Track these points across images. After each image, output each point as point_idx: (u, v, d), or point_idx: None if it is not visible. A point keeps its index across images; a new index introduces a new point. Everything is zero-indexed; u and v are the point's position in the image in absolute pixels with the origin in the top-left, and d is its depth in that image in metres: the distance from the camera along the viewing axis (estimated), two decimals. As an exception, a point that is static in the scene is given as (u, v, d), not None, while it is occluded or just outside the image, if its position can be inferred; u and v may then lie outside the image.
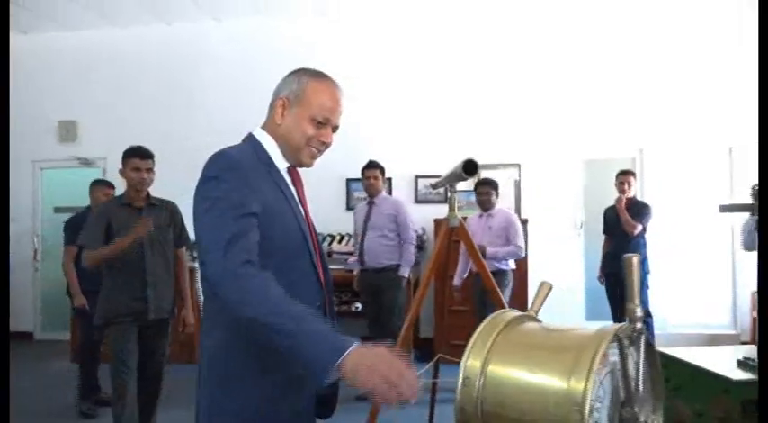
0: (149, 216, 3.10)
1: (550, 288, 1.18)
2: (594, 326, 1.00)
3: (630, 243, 4.98)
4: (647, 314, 4.97)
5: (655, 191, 5.74)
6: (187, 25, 6.38)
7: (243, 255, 1.24)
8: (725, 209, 1.75)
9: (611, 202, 5.05)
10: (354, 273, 4.68)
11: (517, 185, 5.93)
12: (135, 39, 6.49)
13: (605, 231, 5.17)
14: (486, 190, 4.52)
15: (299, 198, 1.50)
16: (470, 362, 0.98)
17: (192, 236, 2.25)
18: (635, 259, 0.94)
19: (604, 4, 5.83)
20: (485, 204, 4.52)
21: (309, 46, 5.89)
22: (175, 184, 3.60)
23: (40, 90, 6.56)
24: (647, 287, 5.03)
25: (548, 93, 5.82)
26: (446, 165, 5.78)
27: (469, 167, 2.70)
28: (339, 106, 1.49)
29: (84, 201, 4.49)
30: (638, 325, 0.93)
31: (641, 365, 0.94)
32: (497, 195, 4.57)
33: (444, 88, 5.92)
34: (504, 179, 5.87)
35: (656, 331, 5.08)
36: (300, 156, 1.48)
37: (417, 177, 5.94)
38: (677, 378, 1.84)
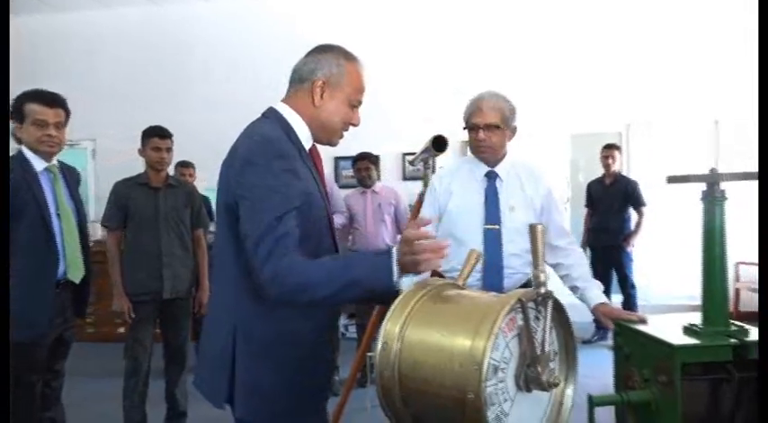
0: (167, 196, 3.15)
1: (479, 256, 1.22)
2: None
3: (615, 217, 5.04)
4: (631, 286, 5.04)
5: (641, 164, 5.75)
6: (177, 5, 6.34)
7: (290, 252, 1.28)
8: (673, 180, 1.78)
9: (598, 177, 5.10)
10: None
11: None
12: (122, 19, 6.46)
13: (589, 205, 5.21)
14: (365, 165, 4.36)
15: (320, 177, 1.52)
16: (389, 327, 1.03)
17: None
18: (539, 227, 0.98)
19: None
20: (364, 180, 4.37)
21: (300, 23, 5.86)
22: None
23: (24, 72, 6.56)
24: (631, 260, 5.09)
25: (534, 68, 5.81)
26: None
27: (439, 143, 2.72)
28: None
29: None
30: (543, 289, 0.97)
31: (547, 328, 0.98)
32: (378, 170, 4.40)
33: (430, 64, 5.91)
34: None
35: (641, 302, 5.16)
36: (334, 137, 1.51)
37: (405, 155, 5.96)
38: (629, 346, 1.89)
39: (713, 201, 1.74)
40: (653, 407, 1.72)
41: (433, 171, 3.01)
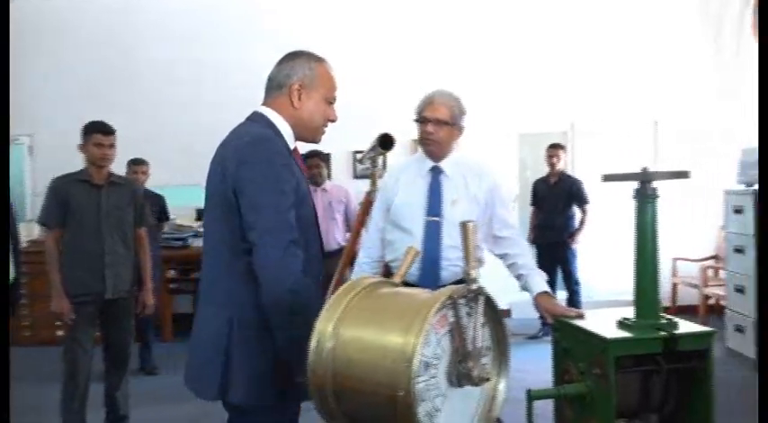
0: (110, 194, 3.05)
1: (417, 253, 1.23)
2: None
3: (560, 215, 5.17)
4: (575, 282, 5.18)
5: (585, 163, 5.92)
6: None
7: (296, 247, 1.41)
8: (608, 178, 1.84)
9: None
10: None
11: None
12: (75, 9, 6.14)
13: (534, 203, 5.33)
14: (315, 163, 4.32)
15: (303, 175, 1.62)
16: (321, 325, 1.03)
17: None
18: (470, 225, 0.99)
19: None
20: (315, 179, 4.32)
21: (269, 24, 5.77)
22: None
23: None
24: (576, 257, 5.23)
25: (483, 68, 5.89)
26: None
27: (386, 142, 2.74)
28: None
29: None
30: (474, 286, 0.99)
31: (478, 324, 1.00)
32: (329, 169, 4.37)
33: (379, 64, 5.91)
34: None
35: (585, 298, 5.31)
36: (317, 134, 1.64)
37: (355, 153, 5.95)
38: (567, 340, 1.95)
39: (645, 199, 1.81)
40: (588, 399, 1.78)
41: (384, 168, 3.04)
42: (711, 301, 5.38)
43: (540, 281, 2.22)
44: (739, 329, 4.39)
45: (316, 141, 1.67)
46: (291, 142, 1.59)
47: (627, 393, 1.77)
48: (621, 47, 5.85)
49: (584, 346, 1.84)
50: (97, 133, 3.02)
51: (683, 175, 1.78)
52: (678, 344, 1.71)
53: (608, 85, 5.85)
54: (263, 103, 1.61)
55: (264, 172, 1.43)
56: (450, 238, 2.19)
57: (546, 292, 2.19)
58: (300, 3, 6.02)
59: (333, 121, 1.65)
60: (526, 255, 2.31)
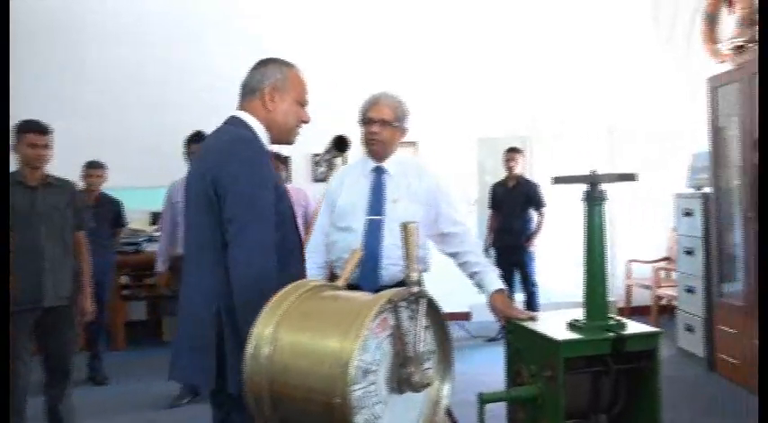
0: (46, 196, 2.91)
1: (360, 255, 1.20)
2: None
3: (518, 218, 5.22)
4: (533, 284, 5.23)
5: (543, 167, 6.00)
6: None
7: (272, 247, 1.45)
8: (558, 181, 1.85)
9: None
10: None
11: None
12: (20, 5, 5.92)
13: (492, 206, 5.37)
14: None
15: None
16: (259, 330, 0.99)
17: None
18: (411, 226, 0.97)
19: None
20: None
21: (237, 27, 5.69)
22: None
23: None
24: (533, 260, 5.29)
25: (443, 74, 5.91)
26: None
27: (341, 143, 2.72)
28: None
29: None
30: (416, 289, 0.96)
31: (419, 328, 0.97)
32: (288, 171, 4.15)
33: (339, 68, 5.87)
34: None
35: (543, 301, 5.37)
36: (292, 136, 1.71)
37: (314, 155, 5.90)
38: (519, 342, 1.95)
39: (593, 201, 1.82)
40: (539, 401, 1.77)
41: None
42: (663, 302, 5.51)
43: (493, 278, 2.22)
44: (689, 329, 4.50)
45: (290, 143, 1.73)
46: (266, 145, 1.64)
47: (577, 395, 1.78)
48: (578, 53, 5.96)
49: (535, 349, 1.84)
50: (30, 133, 2.88)
51: (629, 177, 1.80)
52: (626, 345, 1.72)
53: (565, 90, 5.95)
54: (239, 108, 1.67)
55: (246, 168, 1.49)
56: (392, 237, 2.18)
57: (500, 290, 2.18)
58: (265, 7, 5.94)
59: (306, 122, 1.71)
60: (476, 251, 2.31)
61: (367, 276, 2.17)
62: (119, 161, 5.51)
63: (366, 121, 2.29)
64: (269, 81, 1.64)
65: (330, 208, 2.36)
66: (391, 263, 2.18)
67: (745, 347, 3.82)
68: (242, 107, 1.67)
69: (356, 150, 5.90)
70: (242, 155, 1.51)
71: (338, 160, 3.01)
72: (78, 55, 5.85)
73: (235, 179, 1.48)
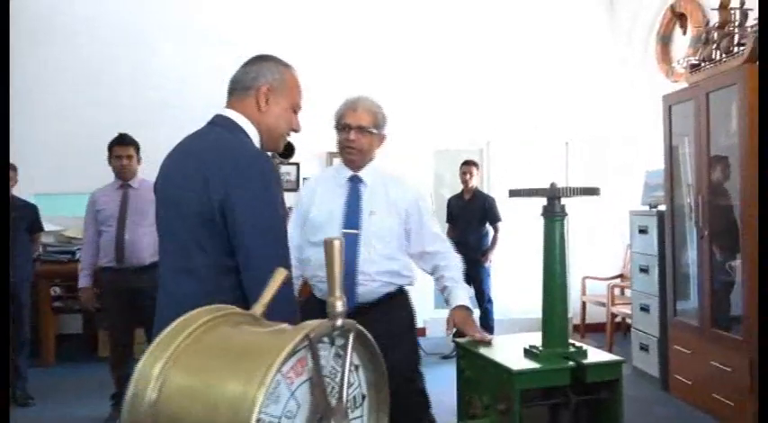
0: None
1: (287, 277, 1.01)
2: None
3: (474, 232, 5.10)
4: (488, 300, 5.11)
5: (500, 181, 5.92)
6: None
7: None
8: (515, 194, 1.70)
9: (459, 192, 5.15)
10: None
11: (369, 174, 5.85)
12: None
13: (449, 220, 5.24)
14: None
15: None
16: (143, 367, 0.78)
17: None
18: (336, 243, 0.78)
19: (453, 3, 5.91)
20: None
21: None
22: None
23: None
24: (489, 275, 5.17)
25: (399, 83, 5.78)
26: (298, 151, 5.59)
27: (285, 150, 2.53)
28: None
29: None
30: (340, 321, 0.77)
31: (346, 369, 0.78)
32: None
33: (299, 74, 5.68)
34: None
35: (498, 317, 5.25)
36: (279, 142, 1.57)
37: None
38: (470, 369, 1.78)
39: (553, 216, 1.68)
40: (492, 437, 1.60)
41: (298, 181, 2.82)
42: (618, 319, 5.46)
43: (461, 294, 2.09)
44: (644, 348, 4.44)
45: (276, 150, 1.61)
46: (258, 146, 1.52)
47: (533, 429, 1.62)
48: (535, 68, 5.93)
49: (488, 378, 1.67)
50: None
51: (593, 191, 1.66)
52: (587, 374, 1.57)
53: (523, 104, 5.91)
54: (227, 106, 1.52)
55: (262, 199, 1.39)
56: (371, 251, 2.07)
57: (463, 306, 2.05)
58: (225, 8, 5.70)
59: (296, 131, 1.59)
60: (455, 268, 2.17)
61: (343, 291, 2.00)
62: (56, 164, 5.19)
63: (342, 127, 2.12)
64: (265, 79, 1.50)
65: (301, 220, 2.17)
66: (368, 279, 2.05)
67: (699, 368, 3.76)
68: (231, 104, 1.52)
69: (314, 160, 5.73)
70: (256, 182, 1.38)
71: (282, 167, 2.80)
72: (35, 53, 5.48)
73: (251, 210, 1.37)
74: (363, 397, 0.88)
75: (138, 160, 3.81)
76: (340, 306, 0.77)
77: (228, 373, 0.74)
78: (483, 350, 1.75)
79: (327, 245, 0.77)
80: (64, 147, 5.21)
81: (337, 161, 2.24)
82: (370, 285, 2.06)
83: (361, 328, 0.82)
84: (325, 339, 0.78)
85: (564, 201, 1.70)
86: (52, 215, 5.09)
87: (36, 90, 5.36)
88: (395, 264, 2.11)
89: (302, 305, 2.26)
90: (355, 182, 2.15)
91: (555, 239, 1.69)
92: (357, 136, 2.09)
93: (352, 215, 2.10)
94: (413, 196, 2.18)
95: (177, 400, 0.76)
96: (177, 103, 5.12)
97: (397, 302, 2.14)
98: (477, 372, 1.74)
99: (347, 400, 0.81)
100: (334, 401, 0.77)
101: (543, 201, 1.71)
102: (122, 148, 3.72)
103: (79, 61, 5.45)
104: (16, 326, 4.17)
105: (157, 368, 0.79)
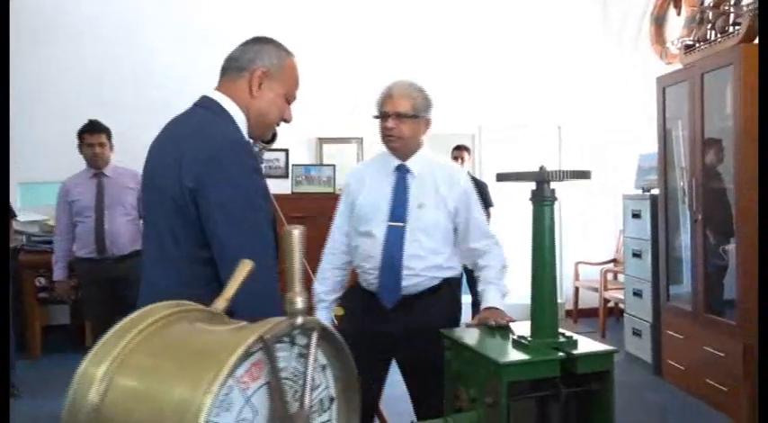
0: None
1: (251, 269, 0.93)
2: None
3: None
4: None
5: (492, 166, 5.84)
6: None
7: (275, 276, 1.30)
8: (502, 178, 1.62)
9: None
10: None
11: (360, 159, 5.77)
12: None
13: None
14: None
15: None
16: (87, 370, 0.71)
17: None
18: (295, 233, 0.70)
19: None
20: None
21: None
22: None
23: None
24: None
25: (390, 68, 5.65)
26: (287, 138, 5.49)
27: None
28: None
29: None
30: (300, 319, 0.70)
31: (309, 372, 0.71)
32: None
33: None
34: (349, 153, 5.71)
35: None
36: (267, 131, 1.49)
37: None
38: (457, 361, 1.71)
39: (542, 201, 1.60)
40: (479, 431, 1.54)
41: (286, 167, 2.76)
42: (611, 305, 5.43)
43: (491, 297, 2.02)
44: (636, 333, 4.41)
45: (263, 138, 1.53)
46: (245, 135, 1.42)
47: (522, 422, 1.56)
48: (527, 51, 5.84)
49: (475, 370, 1.60)
50: None
51: (583, 175, 1.59)
52: (577, 366, 1.51)
53: (515, 88, 5.82)
54: (217, 88, 1.44)
55: (236, 188, 1.29)
56: (416, 246, 2.00)
57: (493, 308, 1.97)
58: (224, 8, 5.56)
59: (287, 121, 1.50)
60: (493, 268, 2.09)
61: (387, 288, 1.99)
62: (48, 152, 5.08)
63: (381, 115, 2.05)
64: (262, 62, 1.42)
65: (349, 208, 2.13)
66: (412, 273, 1.99)
67: (692, 353, 3.72)
68: (222, 85, 1.44)
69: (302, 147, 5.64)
70: (231, 170, 1.29)
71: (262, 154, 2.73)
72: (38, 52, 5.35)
73: (223, 200, 1.29)
74: (332, 399, 0.81)
75: (111, 147, 3.71)
76: (300, 303, 0.69)
77: (177, 377, 0.67)
78: (469, 341, 1.68)
79: (286, 235, 0.69)
80: (65, 147, 5.11)
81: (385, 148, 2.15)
82: (415, 280, 2.01)
83: (325, 324, 0.74)
84: (286, 339, 0.70)
85: (556, 185, 1.63)
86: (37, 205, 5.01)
87: (38, 89, 5.26)
88: (439, 257, 2.04)
89: (346, 293, 2.22)
90: (402, 171, 2.07)
91: (544, 225, 1.61)
92: (396, 123, 2.01)
93: (399, 207, 2.03)
94: (462, 190, 2.09)
95: (121, 404, 0.68)
96: (180, 104, 5.00)
97: (440, 296, 2.06)
98: (463, 364, 1.67)
99: (312, 404, 0.74)
100: (295, 406, 0.70)
101: (534, 185, 1.64)
102: (93, 135, 3.61)
103: (82, 61, 5.36)
104: None
105: (102, 369, 0.71)
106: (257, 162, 1.40)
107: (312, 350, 0.72)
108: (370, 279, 2.06)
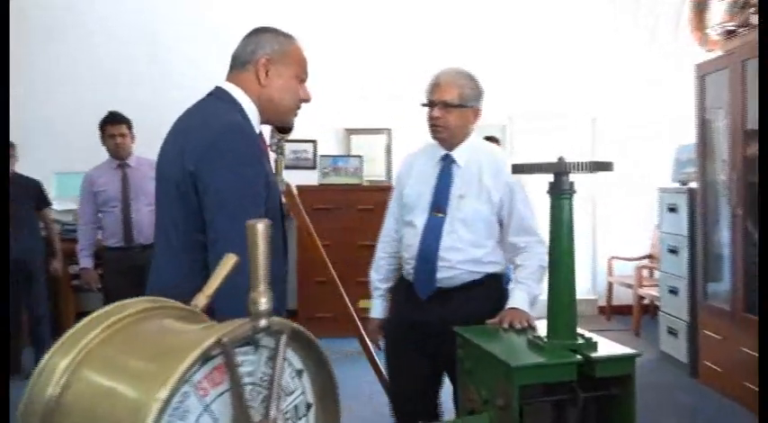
0: None
1: (236, 262, 0.88)
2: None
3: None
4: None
5: (523, 157, 5.70)
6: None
7: None
8: (518, 170, 1.54)
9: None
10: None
11: (388, 150, 5.70)
12: None
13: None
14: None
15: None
16: (52, 360, 0.67)
17: None
18: (259, 226, 0.64)
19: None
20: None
21: None
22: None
23: None
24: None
25: (419, 60, 5.56)
26: (315, 129, 5.46)
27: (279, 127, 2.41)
28: None
29: None
30: (264, 322, 0.64)
31: (276, 376, 0.66)
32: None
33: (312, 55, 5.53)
34: (377, 144, 5.65)
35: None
36: (288, 116, 1.48)
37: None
38: (470, 361, 1.64)
39: (560, 194, 1.51)
40: (490, 434, 1.47)
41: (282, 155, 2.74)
42: (646, 302, 5.25)
43: (517, 297, 1.91)
44: (672, 332, 4.24)
45: (287, 125, 1.53)
46: (257, 125, 1.44)
47: (536, 426, 1.48)
48: (559, 41, 5.66)
49: (486, 370, 1.53)
50: None
51: (605, 166, 1.49)
52: (596, 370, 1.42)
53: (546, 79, 5.65)
54: (227, 79, 1.46)
55: (233, 175, 1.29)
56: (454, 237, 1.95)
57: (515, 309, 1.87)
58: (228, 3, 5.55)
59: (307, 101, 1.50)
60: (527, 268, 1.97)
61: (422, 279, 1.95)
62: (81, 144, 5.17)
63: (428, 103, 2.02)
64: (263, 51, 1.43)
65: (399, 196, 2.12)
66: (448, 265, 1.93)
67: (729, 354, 3.56)
68: (231, 79, 1.46)
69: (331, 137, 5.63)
70: (229, 156, 1.29)
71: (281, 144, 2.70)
72: (50, 50, 5.45)
73: (220, 186, 1.29)
74: (309, 406, 0.75)
75: (132, 138, 3.74)
76: (264, 303, 0.64)
77: (136, 376, 0.62)
78: (481, 340, 1.61)
79: (249, 228, 0.64)
80: (85, 129, 5.20)
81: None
82: (451, 272, 1.95)
83: (297, 326, 0.69)
84: (253, 341, 0.65)
85: (590, 178, 1.54)
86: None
87: (52, 88, 5.34)
88: (479, 250, 1.97)
89: (394, 284, 2.18)
90: (448, 161, 2.03)
91: (563, 220, 1.52)
92: (441, 112, 1.97)
93: (441, 197, 1.98)
94: (507, 183, 2.01)
95: (80, 398, 0.65)
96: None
97: (481, 291, 1.98)
98: (475, 363, 1.60)
99: (287, 411, 0.69)
100: (259, 414, 0.64)
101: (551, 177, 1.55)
102: (115, 126, 3.64)
103: (96, 59, 5.42)
104: (33, 301, 4.22)
105: (66, 360, 0.67)
106: (258, 148, 1.38)
107: (280, 354, 0.66)
108: (408, 269, 2.03)
